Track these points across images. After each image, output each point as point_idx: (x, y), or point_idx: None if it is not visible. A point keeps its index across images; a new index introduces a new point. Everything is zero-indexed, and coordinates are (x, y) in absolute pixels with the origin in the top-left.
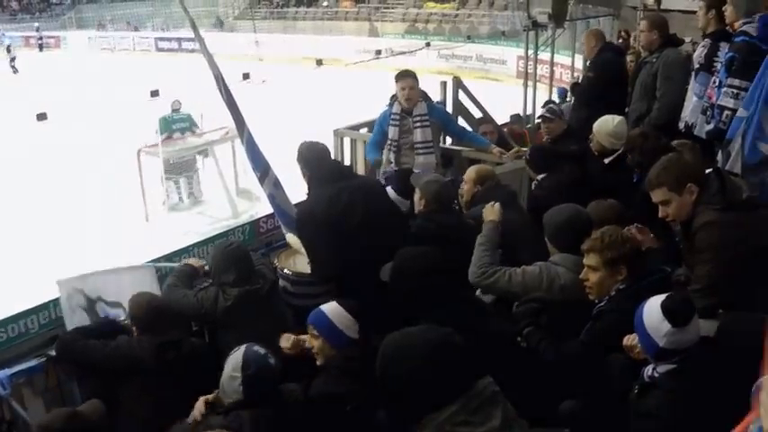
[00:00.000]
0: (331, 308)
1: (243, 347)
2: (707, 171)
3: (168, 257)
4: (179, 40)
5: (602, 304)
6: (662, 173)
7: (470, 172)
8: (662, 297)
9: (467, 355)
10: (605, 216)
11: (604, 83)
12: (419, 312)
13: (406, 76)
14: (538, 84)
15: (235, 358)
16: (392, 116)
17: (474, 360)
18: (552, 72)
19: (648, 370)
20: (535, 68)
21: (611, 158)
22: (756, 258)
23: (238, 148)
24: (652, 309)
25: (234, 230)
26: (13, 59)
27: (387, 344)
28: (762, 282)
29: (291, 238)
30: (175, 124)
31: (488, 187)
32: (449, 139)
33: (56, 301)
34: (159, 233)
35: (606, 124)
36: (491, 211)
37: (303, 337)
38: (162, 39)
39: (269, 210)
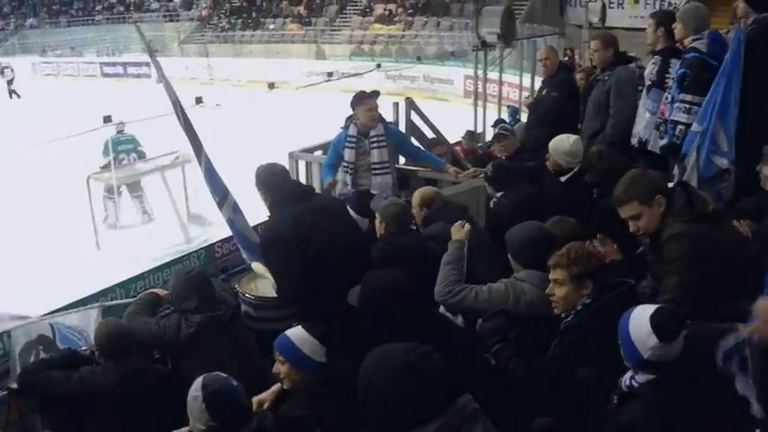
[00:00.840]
0: (296, 333)
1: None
2: (671, 184)
3: (123, 284)
4: (124, 65)
5: (568, 319)
6: (630, 188)
7: (415, 197)
8: (651, 309)
9: (445, 372)
10: (564, 234)
11: (566, 101)
12: (391, 335)
13: (370, 97)
14: (486, 103)
15: (195, 384)
16: (348, 138)
17: (452, 378)
18: (501, 91)
19: (626, 380)
20: (485, 88)
21: (567, 176)
22: (723, 269)
23: (189, 172)
24: (641, 321)
25: (189, 256)
26: (10, 82)
27: (367, 361)
28: (728, 291)
29: (257, 267)
30: (121, 146)
31: (436, 208)
32: (401, 159)
33: (8, 333)
34: (111, 261)
35: (562, 143)
36: (458, 231)
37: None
38: (107, 64)
39: (222, 235)
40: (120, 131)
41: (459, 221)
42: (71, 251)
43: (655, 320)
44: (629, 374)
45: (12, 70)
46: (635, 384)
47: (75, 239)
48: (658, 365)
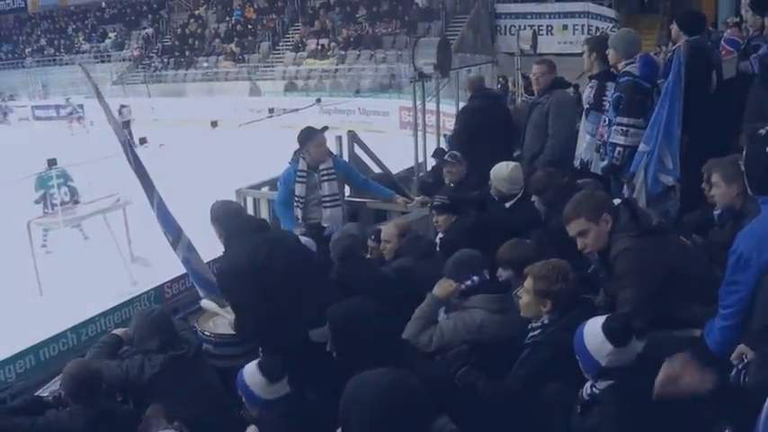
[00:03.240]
0: (247, 370)
1: None
2: (615, 202)
3: (74, 329)
4: (56, 107)
5: (535, 333)
6: (578, 206)
7: (392, 229)
8: (601, 319)
9: (422, 393)
10: (520, 257)
11: (471, 130)
12: (360, 363)
13: (320, 133)
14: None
15: None
16: (298, 173)
17: (429, 400)
18: (438, 120)
19: (587, 389)
20: (423, 118)
21: (511, 203)
22: (673, 279)
23: (130, 215)
24: (594, 330)
25: (139, 298)
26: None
27: (347, 387)
28: (681, 300)
29: (206, 303)
30: (50, 181)
31: (409, 239)
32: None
33: None
34: (57, 306)
35: (501, 171)
36: (445, 288)
37: None
38: (38, 107)
39: (169, 276)
40: (49, 168)
41: (450, 281)
42: (13, 299)
43: (607, 328)
44: (588, 384)
45: (129, 111)
46: (596, 391)
47: (16, 286)
48: (616, 371)
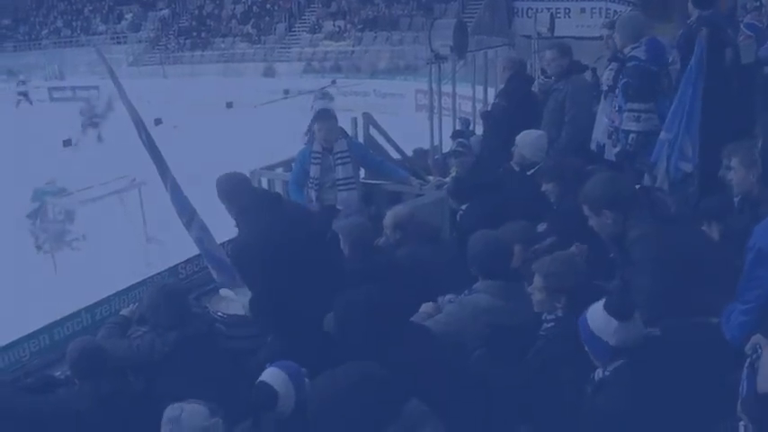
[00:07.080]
0: None
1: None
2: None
3: (89, 309)
4: (73, 88)
5: (549, 325)
6: (587, 192)
7: (387, 219)
8: (600, 302)
9: (389, 385)
10: (516, 238)
11: (514, 110)
12: (370, 353)
13: (323, 119)
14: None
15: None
16: (313, 154)
17: (398, 388)
18: (455, 103)
19: (599, 372)
20: (440, 100)
21: (533, 170)
22: (689, 266)
23: (145, 195)
24: (597, 313)
25: (152, 278)
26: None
27: (316, 383)
28: (698, 288)
29: (225, 292)
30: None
31: (412, 229)
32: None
33: None
34: (73, 285)
35: (529, 135)
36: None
37: None
38: (55, 88)
39: (183, 256)
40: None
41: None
42: (29, 277)
43: (608, 305)
44: (599, 370)
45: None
46: (607, 374)
47: (32, 265)
48: (626, 352)
